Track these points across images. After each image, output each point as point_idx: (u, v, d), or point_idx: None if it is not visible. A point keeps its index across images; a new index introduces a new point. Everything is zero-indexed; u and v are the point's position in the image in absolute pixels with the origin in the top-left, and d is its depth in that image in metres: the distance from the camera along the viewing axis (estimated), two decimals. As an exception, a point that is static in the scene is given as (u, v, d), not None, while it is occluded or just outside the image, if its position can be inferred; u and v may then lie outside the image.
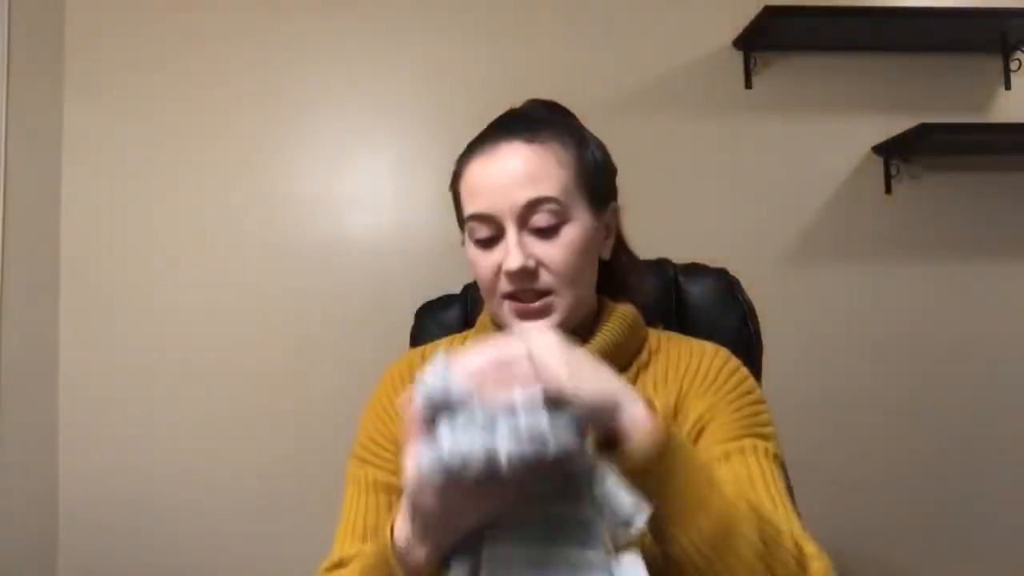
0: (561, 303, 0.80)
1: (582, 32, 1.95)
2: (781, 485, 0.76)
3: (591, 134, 0.88)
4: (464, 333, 0.95)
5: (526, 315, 0.80)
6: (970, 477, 1.92)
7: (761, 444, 0.78)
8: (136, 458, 1.79)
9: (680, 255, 1.17)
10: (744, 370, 0.85)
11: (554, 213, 0.78)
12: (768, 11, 1.83)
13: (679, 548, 0.61)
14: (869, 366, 1.93)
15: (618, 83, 1.94)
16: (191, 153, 1.87)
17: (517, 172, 0.78)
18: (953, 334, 1.95)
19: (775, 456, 0.78)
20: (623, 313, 0.85)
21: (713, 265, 1.15)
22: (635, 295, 0.90)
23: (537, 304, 0.79)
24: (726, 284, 1.13)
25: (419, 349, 0.95)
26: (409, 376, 0.87)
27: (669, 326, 0.95)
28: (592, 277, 0.84)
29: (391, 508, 0.81)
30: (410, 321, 1.20)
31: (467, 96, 1.89)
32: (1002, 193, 2.00)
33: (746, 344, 1.09)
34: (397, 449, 0.82)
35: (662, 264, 1.15)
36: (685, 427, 0.79)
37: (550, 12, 1.96)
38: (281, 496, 1.81)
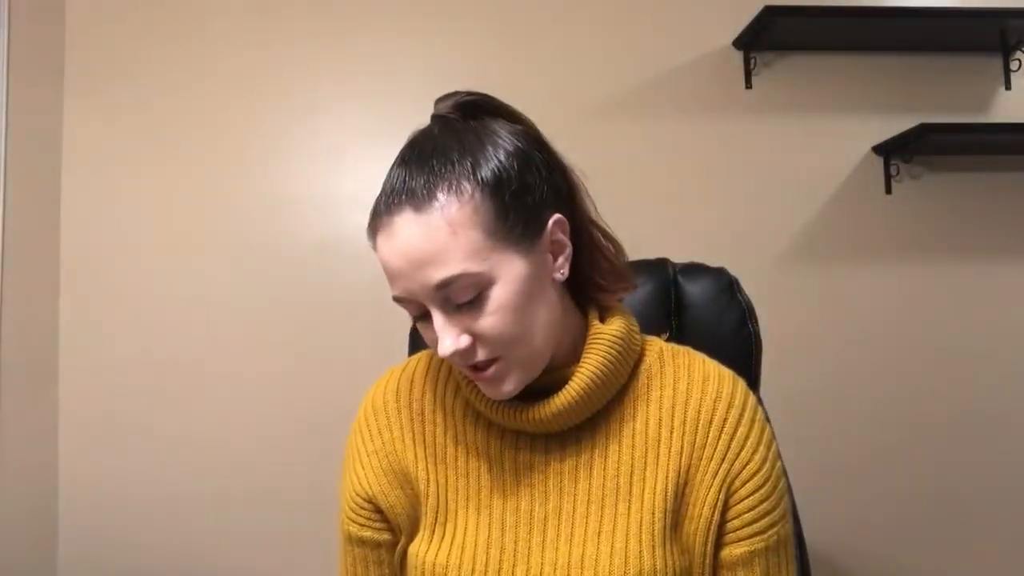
0: (509, 365, 0.73)
1: (582, 32, 1.95)
2: (793, 568, 0.79)
3: (508, 139, 0.73)
4: None
5: (483, 381, 0.75)
6: (969, 476, 1.92)
7: (782, 533, 0.78)
8: (136, 458, 1.79)
9: (680, 254, 1.17)
10: (760, 414, 0.80)
11: (470, 285, 0.69)
12: (768, 11, 1.83)
13: None
14: (869, 366, 1.93)
15: (618, 83, 1.94)
16: (191, 153, 1.87)
17: (415, 255, 0.69)
18: (953, 334, 1.95)
19: (789, 537, 0.79)
20: (610, 337, 0.78)
21: (713, 264, 1.15)
22: (620, 291, 0.83)
23: (489, 372, 0.73)
24: (726, 283, 1.12)
25: (396, 370, 0.88)
26: (384, 413, 0.83)
27: (671, 333, 0.92)
28: (548, 315, 0.75)
29: (381, 563, 0.83)
30: (409, 321, 1.19)
31: (467, 96, 1.89)
32: (1002, 193, 2.00)
33: (745, 343, 1.09)
34: (375, 507, 0.82)
35: (662, 263, 1.15)
36: (696, 512, 0.76)
37: (550, 12, 1.96)
38: (281, 496, 1.81)
